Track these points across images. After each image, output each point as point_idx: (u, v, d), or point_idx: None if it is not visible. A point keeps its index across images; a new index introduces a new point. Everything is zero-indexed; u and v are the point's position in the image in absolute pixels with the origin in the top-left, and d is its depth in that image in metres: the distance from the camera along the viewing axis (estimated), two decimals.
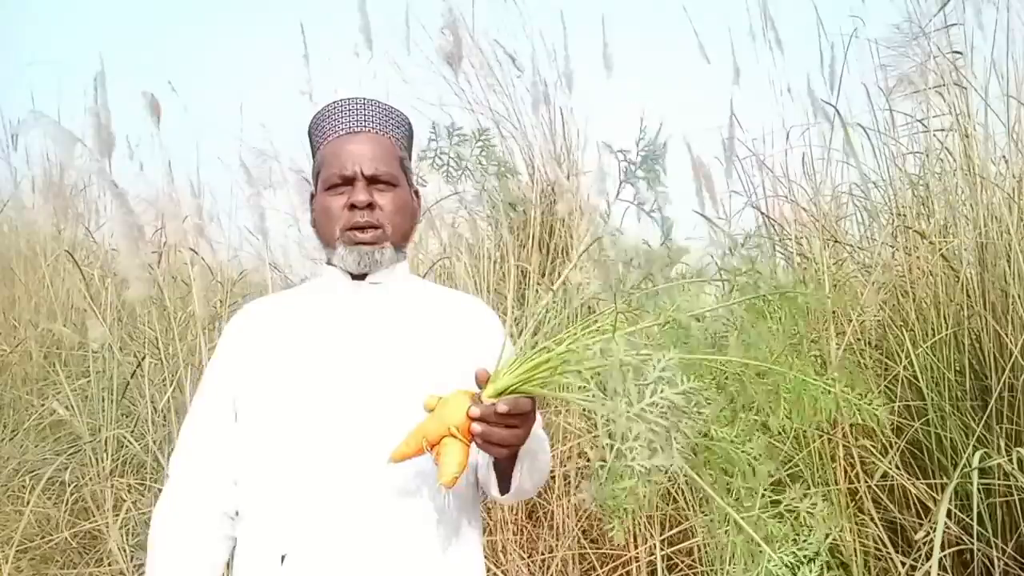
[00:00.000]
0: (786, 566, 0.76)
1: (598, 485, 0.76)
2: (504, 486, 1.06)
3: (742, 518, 0.79)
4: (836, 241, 2.58)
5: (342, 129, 1.18)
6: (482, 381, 0.93)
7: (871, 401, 0.94)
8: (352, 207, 1.13)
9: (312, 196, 1.23)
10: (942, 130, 2.40)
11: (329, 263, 1.20)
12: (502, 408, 0.89)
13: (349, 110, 1.19)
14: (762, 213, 2.76)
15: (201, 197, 2.97)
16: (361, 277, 1.18)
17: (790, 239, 2.55)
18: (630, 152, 0.96)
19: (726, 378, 0.91)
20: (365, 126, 1.18)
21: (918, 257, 2.34)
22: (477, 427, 0.90)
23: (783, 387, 0.91)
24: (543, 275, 2.72)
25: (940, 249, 2.23)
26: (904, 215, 2.45)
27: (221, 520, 1.10)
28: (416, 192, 1.26)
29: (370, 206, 1.14)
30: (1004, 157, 2.33)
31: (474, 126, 3.16)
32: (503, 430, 0.91)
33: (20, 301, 3.18)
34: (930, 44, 2.35)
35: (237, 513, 1.11)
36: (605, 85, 3.01)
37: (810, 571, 0.77)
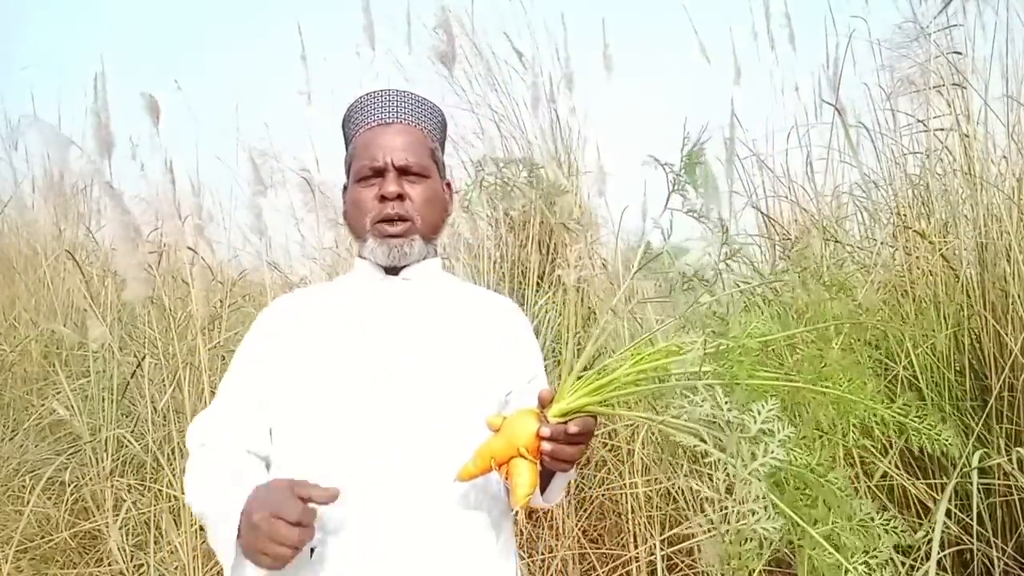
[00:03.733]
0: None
1: (723, 547, 0.78)
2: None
3: (819, 533, 0.81)
4: (836, 241, 2.57)
5: (373, 120, 1.17)
6: (546, 401, 0.94)
7: (940, 432, 0.95)
8: (383, 198, 1.13)
9: (345, 188, 1.22)
10: (942, 130, 2.39)
11: (360, 256, 1.19)
12: (574, 429, 0.91)
13: (381, 101, 1.18)
14: (763, 213, 2.76)
15: (201, 197, 2.97)
16: (394, 272, 1.17)
17: (790, 239, 2.54)
18: (673, 164, 0.97)
19: (796, 402, 0.93)
20: (396, 117, 1.17)
21: (918, 257, 2.33)
22: (547, 446, 0.92)
23: (851, 412, 0.93)
24: (542, 275, 2.72)
25: (940, 249, 2.22)
26: (904, 215, 2.44)
27: (249, 454, 1.08)
28: (448, 184, 1.25)
29: (400, 197, 1.13)
30: (1004, 157, 2.33)
31: (475, 125, 3.18)
32: (571, 447, 0.93)
33: (20, 301, 3.18)
34: (931, 44, 2.35)
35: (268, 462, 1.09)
36: (605, 85, 3.01)
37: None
